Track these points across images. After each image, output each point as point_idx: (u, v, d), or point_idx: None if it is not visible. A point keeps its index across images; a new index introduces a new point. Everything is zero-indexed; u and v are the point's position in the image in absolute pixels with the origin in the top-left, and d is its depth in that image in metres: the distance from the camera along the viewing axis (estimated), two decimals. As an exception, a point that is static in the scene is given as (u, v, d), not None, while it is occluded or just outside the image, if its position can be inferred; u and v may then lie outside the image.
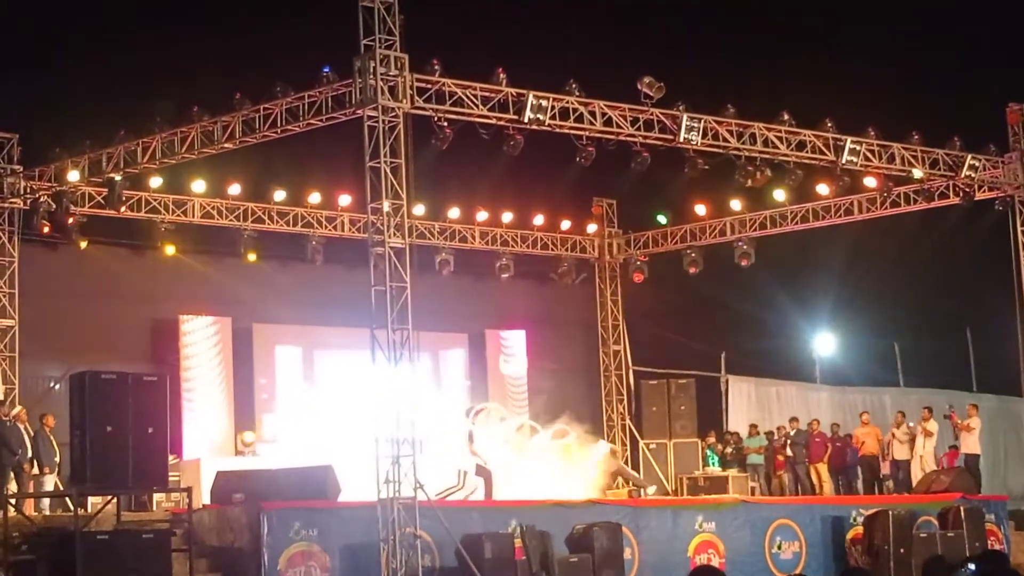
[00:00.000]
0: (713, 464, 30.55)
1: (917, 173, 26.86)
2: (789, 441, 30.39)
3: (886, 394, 35.82)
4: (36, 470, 23.51)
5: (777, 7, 36.90)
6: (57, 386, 25.93)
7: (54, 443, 23.63)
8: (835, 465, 30.39)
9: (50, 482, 23.59)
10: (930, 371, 36.80)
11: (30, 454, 23.33)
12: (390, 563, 19.92)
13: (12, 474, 23.06)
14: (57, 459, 23.57)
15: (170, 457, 20.72)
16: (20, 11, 29.84)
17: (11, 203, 26.11)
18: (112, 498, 19.79)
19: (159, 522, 20.90)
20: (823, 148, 25.61)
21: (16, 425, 23.50)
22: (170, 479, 21.11)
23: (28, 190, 26.08)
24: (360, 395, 24.02)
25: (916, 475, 29.76)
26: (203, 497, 22.63)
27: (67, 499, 21.99)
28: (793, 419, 31.10)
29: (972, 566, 10.48)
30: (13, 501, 20.94)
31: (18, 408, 24.22)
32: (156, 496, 23.41)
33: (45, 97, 28.51)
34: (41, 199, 26.00)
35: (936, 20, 37.01)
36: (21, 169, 26.09)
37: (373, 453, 20.46)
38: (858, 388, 36.01)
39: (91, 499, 21.97)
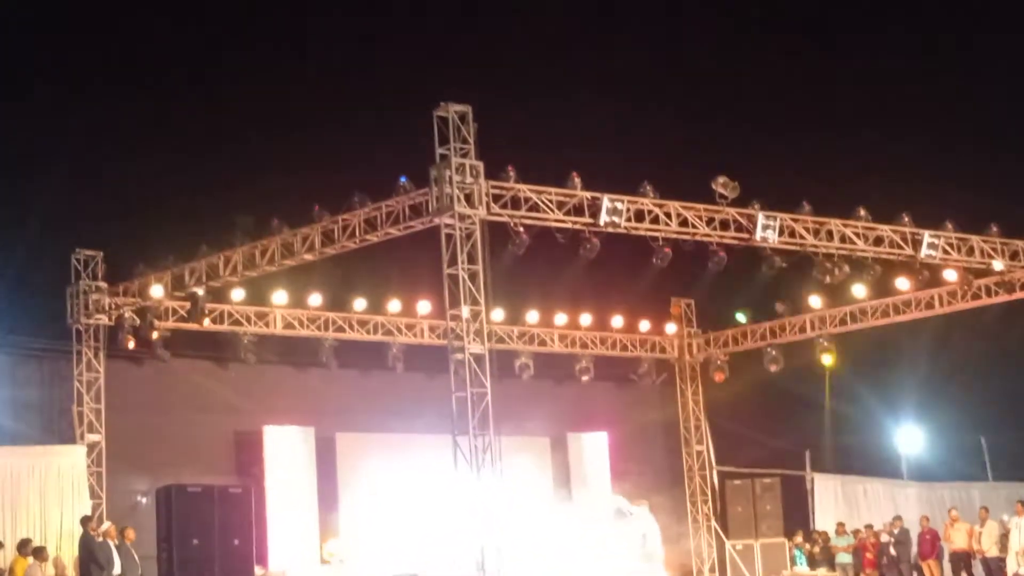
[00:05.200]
0: (801, 564, 30.18)
1: (998, 265, 26.66)
2: (893, 540, 30.00)
3: (974, 489, 35.29)
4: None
5: (851, 101, 36.97)
6: (144, 500, 26.10)
7: (135, 556, 23.78)
8: (925, 558, 30.12)
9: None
10: (1019, 464, 36.22)
11: (118, 570, 23.44)
12: (478, 672, 19.80)
13: (99, 590, 23.23)
14: (139, 572, 23.71)
15: (256, 568, 20.77)
16: (101, 133, 30.45)
17: (96, 319, 26.48)
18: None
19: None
20: (901, 243, 25.50)
21: (106, 541, 23.67)
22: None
23: (112, 306, 26.45)
24: (443, 502, 24.01)
25: (1011, 570, 29.24)
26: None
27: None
28: (896, 518, 30.72)
29: None
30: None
31: (107, 524, 24.40)
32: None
33: (128, 214, 29.00)
34: (125, 315, 26.34)
35: (1009, 110, 36.91)
36: (106, 286, 26.49)
37: (458, 561, 20.42)
38: (946, 483, 35.51)
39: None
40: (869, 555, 30.14)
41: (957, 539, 29.88)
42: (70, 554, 24.32)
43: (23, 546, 23.58)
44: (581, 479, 31.63)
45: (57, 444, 25.98)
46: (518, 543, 23.81)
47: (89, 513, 24.80)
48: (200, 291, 25.45)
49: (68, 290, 26.52)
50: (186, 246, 25.46)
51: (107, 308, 26.45)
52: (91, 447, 26.04)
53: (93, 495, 25.60)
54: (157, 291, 25.75)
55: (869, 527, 30.83)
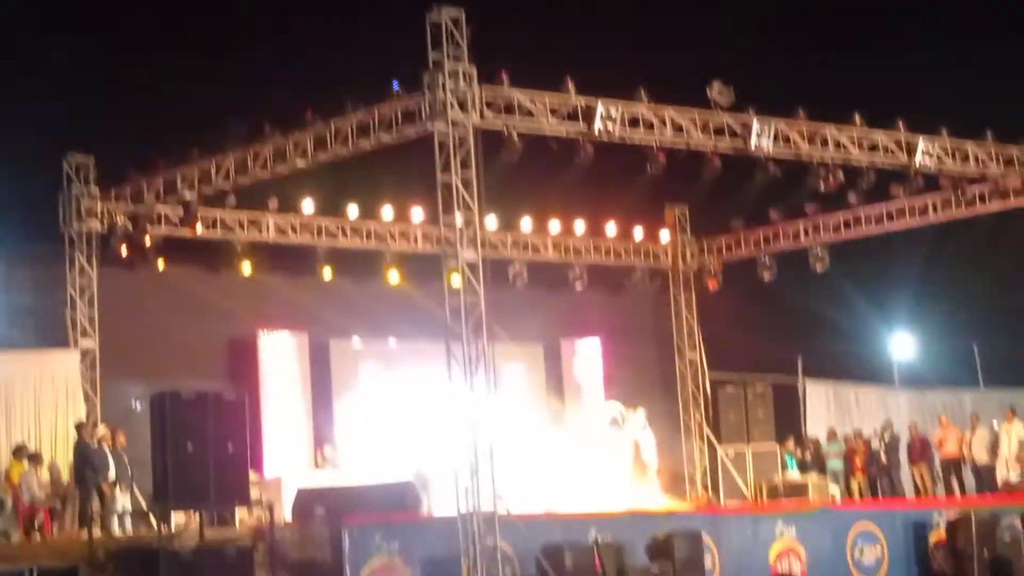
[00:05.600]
0: (792, 470, 30.38)
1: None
2: (883, 446, 30.18)
3: (966, 395, 35.46)
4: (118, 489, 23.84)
5: (847, 5, 36.71)
6: (138, 406, 26.19)
7: (126, 461, 23.94)
8: (915, 463, 30.40)
9: (121, 500, 23.85)
10: (1010, 371, 36.36)
11: (113, 475, 23.59)
12: (472, 575, 19.97)
13: (96, 494, 23.34)
14: (131, 476, 23.91)
15: (251, 474, 20.86)
16: (94, 37, 30.21)
17: (89, 225, 26.38)
18: (195, 515, 19.95)
19: (242, 538, 21.07)
20: (895, 149, 25.42)
21: (101, 447, 23.78)
22: (251, 496, 21.24)
23: (105, 212, 26.36)
24: (437, 409, 24.13)
25: (1001, 476, 29.48)
26: (285, 514, 22.82)
27: (150, 517, 22.19)
28: (887, 424, 30.90)
29: None
30: (98, 520, 21.20)
31: (102, 429, 24.50)
32: (239, 513, 23.55)
33: (119, 119, 28.84)
34: (118, 221, 26.27)
35: (1006, 15, 36.67)
36: (98, 191, 26.38)
37: (452, 466, 20.57)
38: (937, 390, 35.68)
39: (174, 516, 22.08)
40: (858, 461, 30.33)
41: (947, 445, 30.09)
42: (65, 459, 24.44)
43: (18, 451, 23.70)
44: (574, 386, 31.74)
45: (51, 350, 26.02)
46: (512, 465, 24.04)
47: (84, 418, 24.89)
48: (192, 197, 25.37)
49: (60, 196, 26.42)
50: (178, 152, 25.36)
51: (99, 214, 26.36)
52: (85, 353, 26.09)
53: (87, 401, 25.69)
54: (150, 197, 25.67)
55: (858, 433, 31.00)
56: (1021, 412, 30.39)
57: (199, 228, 26.47)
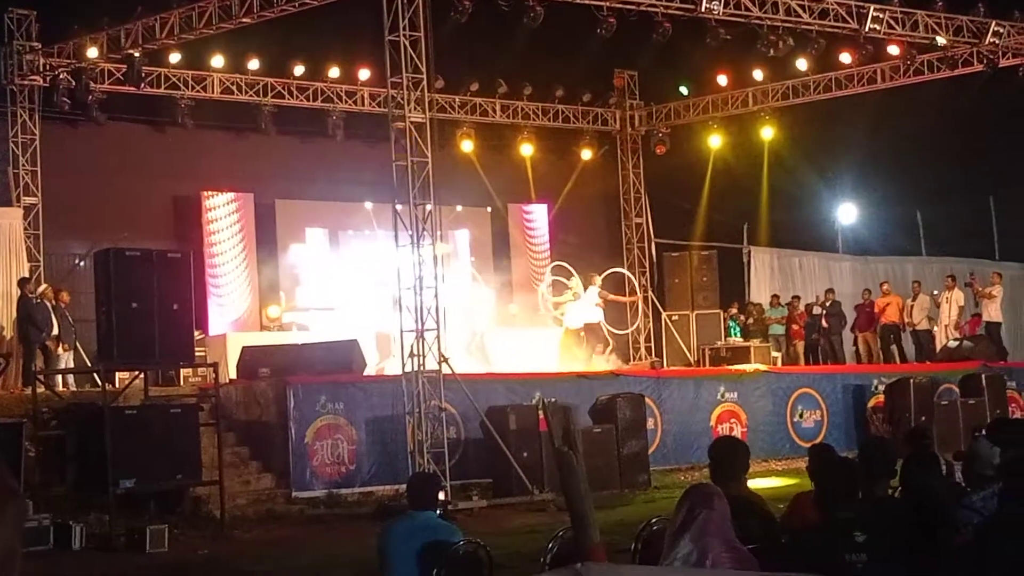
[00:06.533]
0: (735, 335, 30.65)
1: (941, 40, 26.56)
2: (824, 312, 30.48)
3: (908, 263, 35.81)
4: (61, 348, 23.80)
5: None
6: (82, 263, 26.06)
7: (69, 318, 23.87)
8: (862, 331, 30.78)
9: (64, 358, 23.82)
10: (953, 239, 36.73)
11: (56, 331, 23.53)
12: (416, 435, 20.12)
13: (40, 351, 23.31)
14: (74, 333, 23.86)
15: (196, 333, 20.83)
16: None
17: (31, 80, 26.03)
18: (139, 373, 19.94)
19: (187, 397, 21.11)
20: (846, 16, 25.32)
21: (44, 303, 23.69)
22: (196, 355, 21.24)
23: (47, 67, 25.98)
24: (383, 270, 24.15)
25: (939, 343, 29.90)
26: (230, 372, 22.87)
27: (95, 375, 22.16)
28: (829, 290, 31.19)
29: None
30: (42, 377, 21.17)
31: (44, 286, 24.39)
32: (183, 372, 23.58)
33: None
34: (61, 76, 25.91)
35: None
36: (40, 46, 25.97)
37: (398, 328, 20.64)
38: (880, 257, 36.00)
39: (118, 375, 22.07)
40: (796, 326, 30.66)
41: (888, 311, 30.44)
42: (7, 315, 24.36)
43: (-40, 307, 23.61)
44: (521, 250, 31.78)
45: (-7, 208, 25.83)
46: (457, 327, 24.13)
47: (27, 275, 24.76)
48: (136, 53, 25.03)
49: (1, 50, 26.00)
50: (122, 7, 24.94)
51: (41, 69, 25.98)
52: (28, 209, 25.86)
53: (31, 258, 25.54)
54: (92, 52, 25.31)
55: (796, 298, 31.30)
56: (961, 280, 30.77)
57: (143, 85, 26.13)
